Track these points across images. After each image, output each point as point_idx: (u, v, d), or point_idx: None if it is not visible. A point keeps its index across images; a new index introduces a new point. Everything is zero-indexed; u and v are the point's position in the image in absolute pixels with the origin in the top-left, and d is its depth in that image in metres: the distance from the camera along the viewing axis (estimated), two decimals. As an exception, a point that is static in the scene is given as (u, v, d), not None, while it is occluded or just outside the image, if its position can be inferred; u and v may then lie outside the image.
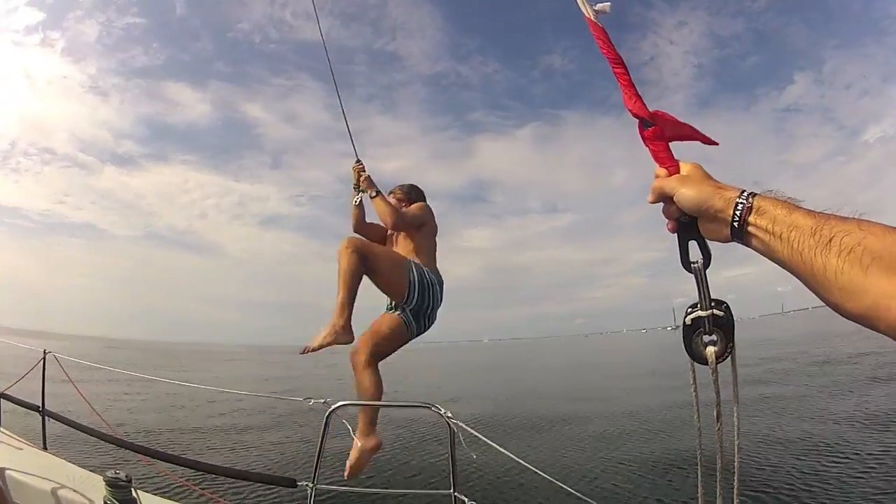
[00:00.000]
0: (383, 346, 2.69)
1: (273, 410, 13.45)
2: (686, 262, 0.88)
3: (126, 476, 2.55)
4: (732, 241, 0.82)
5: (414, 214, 2.99)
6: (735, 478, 0.94)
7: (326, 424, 2.38)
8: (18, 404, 4.04)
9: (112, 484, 2.49)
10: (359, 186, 2.97)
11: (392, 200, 3.02)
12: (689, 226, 0.86)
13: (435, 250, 3.03)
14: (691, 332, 0.90)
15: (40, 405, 4.04)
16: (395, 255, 2.87)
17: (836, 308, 0.70)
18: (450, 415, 2.21)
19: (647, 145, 0.87)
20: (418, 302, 2.75)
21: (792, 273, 0.75)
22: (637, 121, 0.88)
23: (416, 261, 2.86)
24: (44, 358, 4.24)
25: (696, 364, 0.91)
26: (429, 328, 2.87)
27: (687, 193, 0.82)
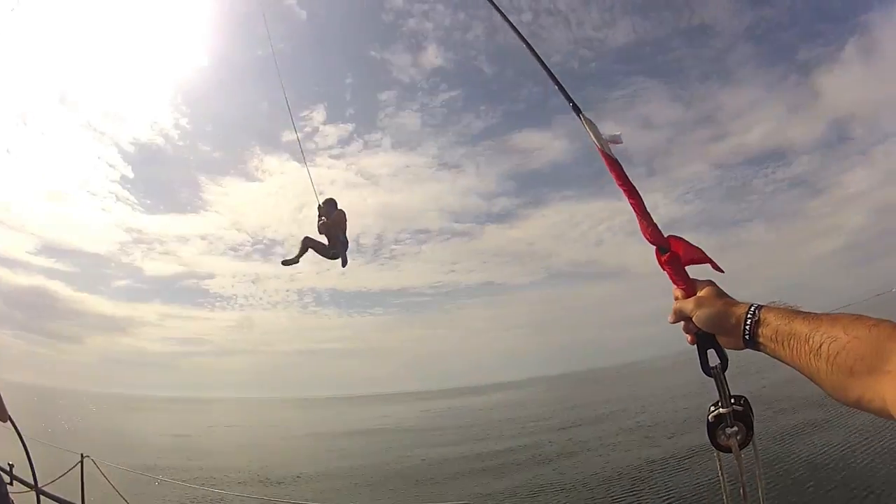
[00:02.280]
0: (314, 246, 6.13)
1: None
2: (706, 368, 1.00)
3: None
4: (746, 348, 0.94)
5: (339, 222, 6.25)
6: None
7: None
8: (57, 501, 4.25)
9: None
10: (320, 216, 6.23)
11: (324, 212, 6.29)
12: (706, 337, 0.98)
13: (345, 224, 6.35)
14: (715, 427, 1.02)
15: None
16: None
17: (833, 398, 0.85)
18: None
19: (663, 269, 0.99)
20: (341, 251, 6.23)
21: (797, 371, 0.89)
22: (654, 247, 0.99)
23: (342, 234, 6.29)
24: (81, 462, 4.58)
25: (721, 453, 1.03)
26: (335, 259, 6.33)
27: (702, 316, 0.94)
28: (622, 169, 1.01)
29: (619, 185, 1.01)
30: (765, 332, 0.89)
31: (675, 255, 0.98)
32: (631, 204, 1.01)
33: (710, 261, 0.99)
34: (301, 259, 6.12)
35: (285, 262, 6.13)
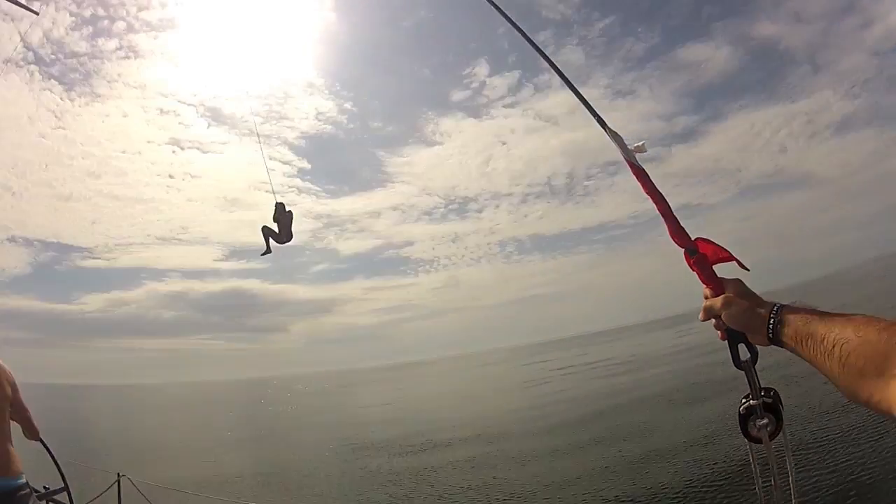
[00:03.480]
0: (270, 233, 7.96)
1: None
2: (737, 362, 1.06)
3: None
4: (771, 345, 0.99)
5: (286, 217, 7.99)
6: None
7: None
8: None
9: None
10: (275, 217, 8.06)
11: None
12: (736, 333, 1.04)
13: (290, 221, 8.15)
14: (746, 419, 1.07)
15: None
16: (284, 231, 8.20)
17: (846, 398, 0.88)
18: None
19: (693, 269, 1.05)
20: (286, 240, 8.13)
21: (815, 368, 0.93)
22: (683, 250, 1.05)
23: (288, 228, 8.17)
24: (118, 481, 4.56)
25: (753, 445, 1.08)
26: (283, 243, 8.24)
27: (730, 314, 1.00)
28: (649, 177, 1.08)
29: (646, 192, 1.08)
30: (786, 332, 0.94)
31: (703, 257, 1.04)
32: (659, 210, 1.07)
33: (736, 259, 1.05)
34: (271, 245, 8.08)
35: (263, 255, 8.14)
